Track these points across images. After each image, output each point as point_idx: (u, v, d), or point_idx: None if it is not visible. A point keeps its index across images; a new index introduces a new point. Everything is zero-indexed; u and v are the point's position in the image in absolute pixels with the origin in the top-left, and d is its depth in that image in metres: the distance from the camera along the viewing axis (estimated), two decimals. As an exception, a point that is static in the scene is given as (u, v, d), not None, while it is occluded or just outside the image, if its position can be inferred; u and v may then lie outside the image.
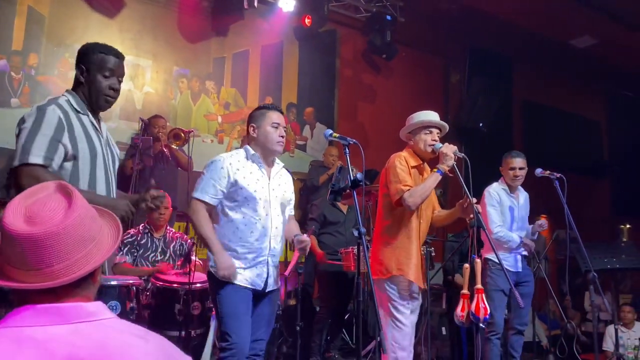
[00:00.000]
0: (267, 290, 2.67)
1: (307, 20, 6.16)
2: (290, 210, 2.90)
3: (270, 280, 2.67)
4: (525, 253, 4.12)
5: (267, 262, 2.66)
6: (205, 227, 2.60)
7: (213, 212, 2.68)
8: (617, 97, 9.52)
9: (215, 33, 6.01)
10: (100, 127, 2.19)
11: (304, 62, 6.66)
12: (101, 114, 2.26)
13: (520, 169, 4.08)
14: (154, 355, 0.97)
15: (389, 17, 6.68)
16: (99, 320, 0.99)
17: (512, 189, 4.13)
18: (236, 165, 2.65)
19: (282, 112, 2.80)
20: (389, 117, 6.52)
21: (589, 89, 9.06)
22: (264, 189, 2.67)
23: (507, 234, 4.00)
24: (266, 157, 2.74)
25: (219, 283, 2.59)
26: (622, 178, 9.55)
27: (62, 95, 2.12)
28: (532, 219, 4.31)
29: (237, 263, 2.60)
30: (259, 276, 2.63)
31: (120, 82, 2.17)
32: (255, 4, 5.73)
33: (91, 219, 1.04)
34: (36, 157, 1.95)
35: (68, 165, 2.04)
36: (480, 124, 7.45)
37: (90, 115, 2.13)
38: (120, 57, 2.16)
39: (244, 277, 2.60)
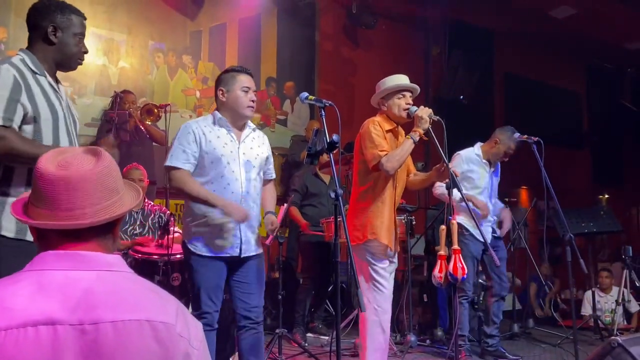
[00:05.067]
0: (243, 256, 2.63)
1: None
2: (269, 173, 2.86)
3: (246, 246, 2.62)
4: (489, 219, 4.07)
5: (239, 227, 2.60)
6: (192, 186, 2.55)
7: None
8: (596, 68, 9.58)
9: (191, 5, 5.89)
10: (59, 89, 2.12)
11: (283, 35, 6.57)
12: (76, 90, 2.21)
13: (513, 151, 4.07)
14: (167, 312, 1.01)
15: (368, -11, 6.61)
16: (117, 271, 1.04)
17: (485, 157, 4.11)
18: (202, 129, 2.61)
19: (251, 75, 2.74)
20: (370, 90, 6.42)
21: (569, 61, 9.10)
22: (233, 152, 2.63)
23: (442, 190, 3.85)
24: (235, 121, 2.69)
25: (190, 254, 2.59)
26: (602, 149, 9.68)
27: (17, 54, 2.03)
28: (511, 191, 4.34)
29: (209, 231, 2.57)
30: (231, 243, 2.59)
31: None
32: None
33: (117, 173, 1.10)
34: None
35: (28, 128, 1.95)
36: (461, 97, 7.45)
37: (49, 77, 2.06)
38: (85, 18, 2.14)
39: (216, 245, 2.57)
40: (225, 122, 2.65)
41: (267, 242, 3.12)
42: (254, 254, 2.68)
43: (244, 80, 2.66)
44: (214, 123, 2.66)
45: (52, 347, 0.91)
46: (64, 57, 2.09)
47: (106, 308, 0.95)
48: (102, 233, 1.06)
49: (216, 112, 2.70)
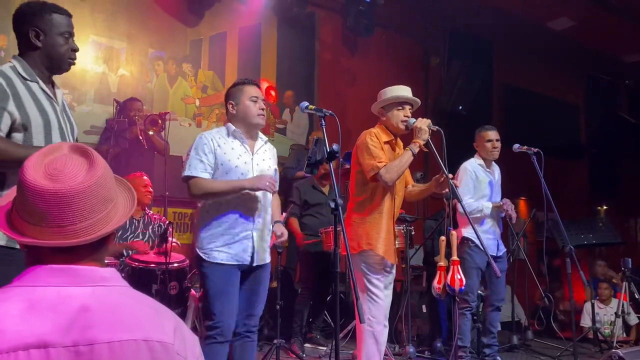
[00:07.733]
0: (254, 265, 2.64)
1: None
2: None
3: (257, 255, 2.64)
4: (510, 213, 4.02)
5: (252, 236, 2.62)
6: (213, 184, 2.57)
7: None
8: (595, 80, 9.62)
9: (191, 14, 5.90)
10: (54, 95, 2.07)
11: (283, 45, 6.59)
12: (75, 97, 2.18)
13: (497, 140, 4.11)
14: (164, 330, 0.97)
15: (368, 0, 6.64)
16: (113, 286, 0.99)
17: (488, 164, 4.15)
18: (217, 141, 2.65)
19: (258, 86, 2.79)
20: (369, 100, 6.40)
21: (567, 72, 9.13)
22: (247, 164, 2.66)
23: (477, 205, 3.97)
24: (248, 132, 2.73)
25: (204, 262, 2.58)
26: (600, 160, 9.69)
27: (8, 62, 2.00)
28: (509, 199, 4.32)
29: (222, 240, 2.58)
30: (244, 251, 2.60)
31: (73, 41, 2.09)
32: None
33: (110, 179, 1.03)
34: None
35: (18, 135, 1.91)
36: (460, 107, 7.47)
37: (41, 82, 2.01)
38: (70, 15, 2.07)
39: (229, 253, 2.58)
40: (239, 134, 2.69)
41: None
42: (264, 262, 2.70)
43: (251, 90, 2.71)
44: (228, 135, 2.70)
45: None
46: (52, 60, 2.02)
47: (102, 327, 0.91)
48: (96, 246, 1.00)
49: (229, 124, 2.73)
